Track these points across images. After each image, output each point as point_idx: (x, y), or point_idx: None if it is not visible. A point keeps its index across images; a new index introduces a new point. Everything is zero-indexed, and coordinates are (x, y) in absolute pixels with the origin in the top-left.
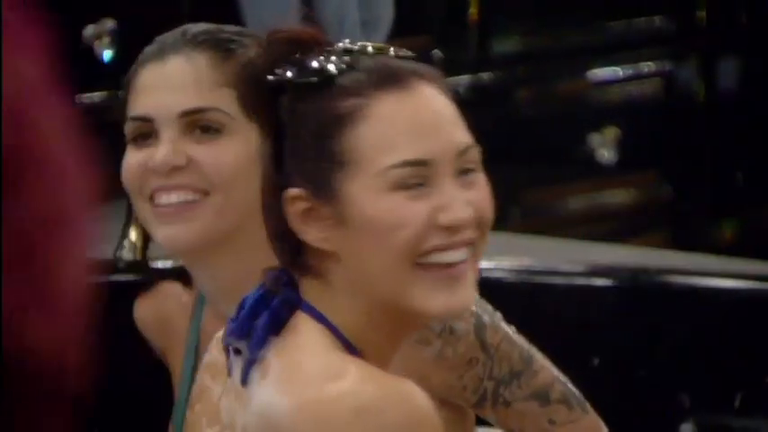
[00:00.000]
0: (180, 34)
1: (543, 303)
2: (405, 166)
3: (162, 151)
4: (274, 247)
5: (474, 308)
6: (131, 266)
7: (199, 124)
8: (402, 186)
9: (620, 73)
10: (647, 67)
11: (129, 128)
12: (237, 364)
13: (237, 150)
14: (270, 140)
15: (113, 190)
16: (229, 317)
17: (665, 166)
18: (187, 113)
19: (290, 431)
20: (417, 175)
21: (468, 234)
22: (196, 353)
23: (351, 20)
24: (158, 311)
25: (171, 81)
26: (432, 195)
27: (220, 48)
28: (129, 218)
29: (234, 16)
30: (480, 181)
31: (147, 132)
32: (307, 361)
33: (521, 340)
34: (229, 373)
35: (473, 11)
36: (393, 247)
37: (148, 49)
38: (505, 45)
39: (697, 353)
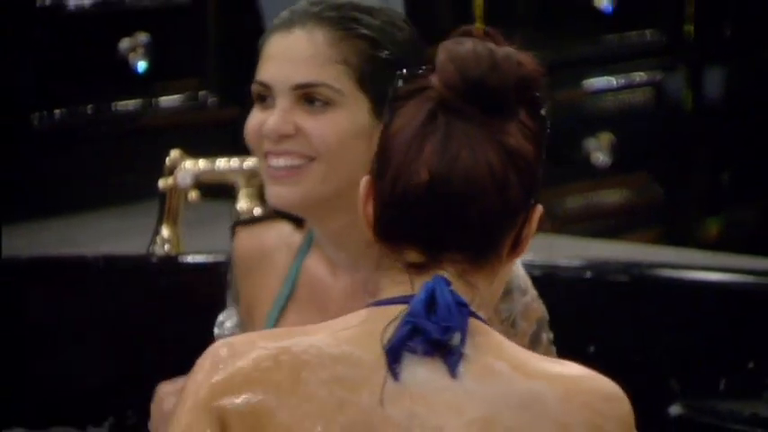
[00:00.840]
0: (308, 4)
1: (544, 294)
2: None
3: (273, 119)
4: None
5: (545, 316)
6: (164, 261)
7: (309, 97)
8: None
9: (614, 82)
10: (639, 77)
11: (253, 89)
12: (420, 365)
13: (343, 123)
14: None
15: (147, 190)
16: (342, 269)
17: (656, 168)
18: (300, 86)
19: (562, 414)
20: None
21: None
22: (293, 286)
23: None
24: (262, 244)
25: (291, 53)
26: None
27: (340, 26)
28: (162, 215)
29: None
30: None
31: (266, 95)
32: (520, 350)
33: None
34: (395, 377)
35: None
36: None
37: (280, 17)
38: None
39: (685, 340)
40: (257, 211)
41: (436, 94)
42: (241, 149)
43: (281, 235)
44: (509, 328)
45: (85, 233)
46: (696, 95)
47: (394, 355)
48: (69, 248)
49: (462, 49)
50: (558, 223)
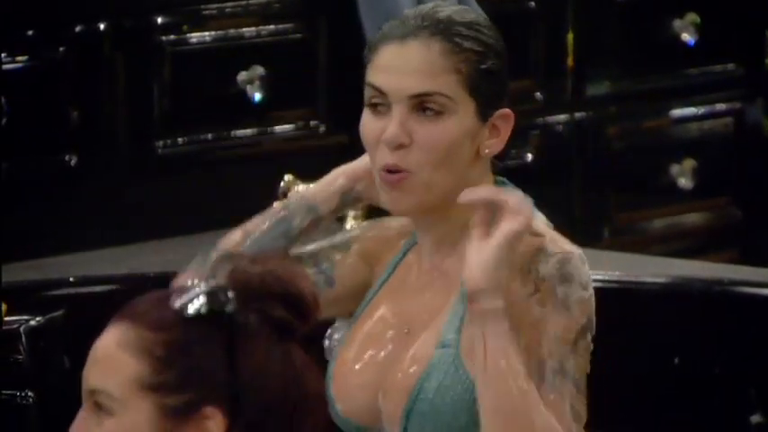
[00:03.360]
0: (421, 19)
1: (631, 309)
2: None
3: (392, 129)
4: None
5: (592, 315)
6: None
7: (424, 105)
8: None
9: (697, 112)
10: (720, 106)
11: (367, 91)
12: None
13: (453, 129)
14: None
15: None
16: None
17: (735, 192)
18: (416, 96)
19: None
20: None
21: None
22: (389, 275)
23: None
24: (379, 242)
25: (408, 65)
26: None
27: (451, 38)
28: None
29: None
30: (104, 426)
31: (381, 102)
32: None
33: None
34: None
35: (570, 59)
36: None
37: (391, 27)
38: (598, 88)
39: (763, 352)
40: None
41: None
42: None
43: (392, 234)
44: (561, 309)
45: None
46: None
47: None
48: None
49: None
50: (645, 243)
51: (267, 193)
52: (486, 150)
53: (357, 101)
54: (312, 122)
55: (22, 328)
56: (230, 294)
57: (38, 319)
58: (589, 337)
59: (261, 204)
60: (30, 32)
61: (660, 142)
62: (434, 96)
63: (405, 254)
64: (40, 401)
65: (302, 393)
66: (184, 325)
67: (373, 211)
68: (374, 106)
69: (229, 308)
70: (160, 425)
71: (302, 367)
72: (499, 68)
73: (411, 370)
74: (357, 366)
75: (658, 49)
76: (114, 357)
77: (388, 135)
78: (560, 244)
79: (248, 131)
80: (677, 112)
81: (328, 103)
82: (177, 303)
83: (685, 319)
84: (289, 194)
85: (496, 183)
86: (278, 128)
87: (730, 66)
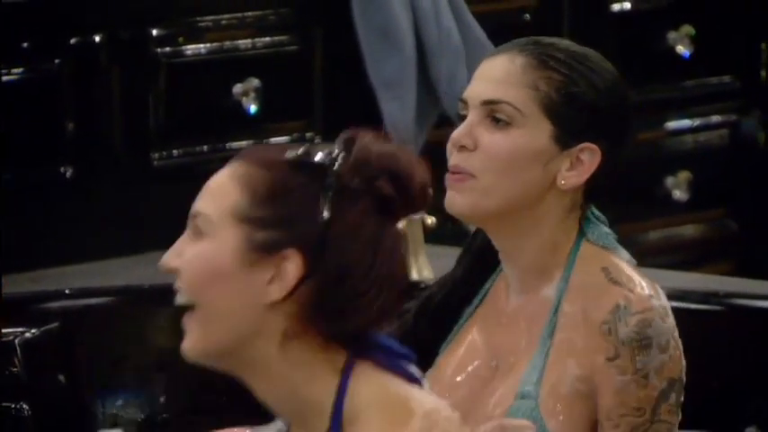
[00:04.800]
0: (525, 41)
1: None
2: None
3: (458, 130)
4: None
5: (681, 378)
6: None
7: (494, 114)
8: None
9: (692, 124)
10: (716, 118)
11: (458, 106)
12: None
13: (518, 142)
14: None
15: None
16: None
17: (731, 204)
18: (486, 102)
19: None
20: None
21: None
22: (480, 301)
23: (460, 78)
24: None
25: (488, 74)
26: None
27: (538, 57)
28: None
29: (362, 74)
30: (197, 246)
31: (464, 113)
32: None
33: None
34: None
35: None
36: None
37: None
38: None
39: (759, 365)
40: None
41: None
42: None
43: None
44: (640, 378)
45: None
46: None
47: None
48: None
49: None
50: (640, 255)
51: None
52: (563, 181)
53: (353, 112)
54: (308, 134)
55: (17, 341)
56: (342, 153)
57: (33, 331)
58: (672, 398)
59: None
60: (26, 44)
61: (655, 154)
62: (502, 105)
63: (494, 280)
64: (36, 414)
65: (385, 271)
66: (291, 170)
67: None
68: (461, 117)
69: (338, 165)
70: (243, 255)
71: (392, 247)
72: (592, 102)
73: (492, 417)
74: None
75: (654, 61)
76: (222, 186)
77: (454, 135)
78: (640, 294)
79: (244, 143)
80: (673, 125)
81: (324, 114)
82: (290, 151)
83: (680, 331)
84: None
85: (585, 219)
86: (273, 140)
87: (726, 78)
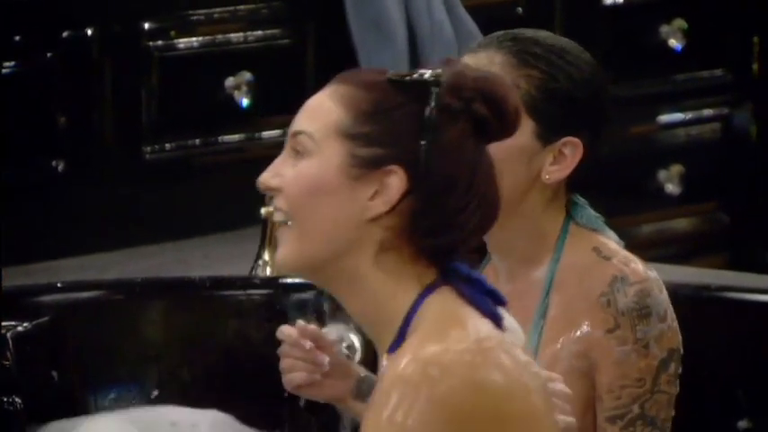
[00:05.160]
0: (504, 35)
1: None
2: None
3: None
4: None
5: (679, 348)
6: (265, 282)
7: None
8: None
9: (684, 117)
10: (708, 112)
11: None
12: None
13: (503, 144)
14: None
15: (250, 217)
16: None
17: (723, 198)
18: None
19: None
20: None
21: (273, 198)
22: None
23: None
24: None
25: None
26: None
27: (517, 55)
28: (264, 240)
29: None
30: (299, 164)
31: None
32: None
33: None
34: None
35: None
36: None
37: (478, 41)
38: None
39: (751, 357)
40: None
41: None
42: None
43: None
44: (641, 348)
45: (195, 256)
46: (761, 129)
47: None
48: (181, 270)
49: None
50: (632, 248)
51: (255, 199)
52: (547, 176)
53: None
54: None
55: (9, 334)
56: (441, 75)
57: (25, 324)
58: (672, 368)
59: (248, 210)
60: (17, 38)
61: (648, 148)
62: None
63: (483, 269)
64: (28, 407)
65: (482, 189)
66: (392, 90)
67: None
68: None
69: (437, 86)
70: (347, 171)
71: (488, 168)
72: (572, 96)
73: None
74: None
75: (646, 54)
76: (323, 105)
77: None
78: (635, 268)
79: (236, 137)
80: (665, 118)
81: None
82: (391, 72)
83: None
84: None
85: (572, 203)
86: (265, 133)
87: (718, 71)
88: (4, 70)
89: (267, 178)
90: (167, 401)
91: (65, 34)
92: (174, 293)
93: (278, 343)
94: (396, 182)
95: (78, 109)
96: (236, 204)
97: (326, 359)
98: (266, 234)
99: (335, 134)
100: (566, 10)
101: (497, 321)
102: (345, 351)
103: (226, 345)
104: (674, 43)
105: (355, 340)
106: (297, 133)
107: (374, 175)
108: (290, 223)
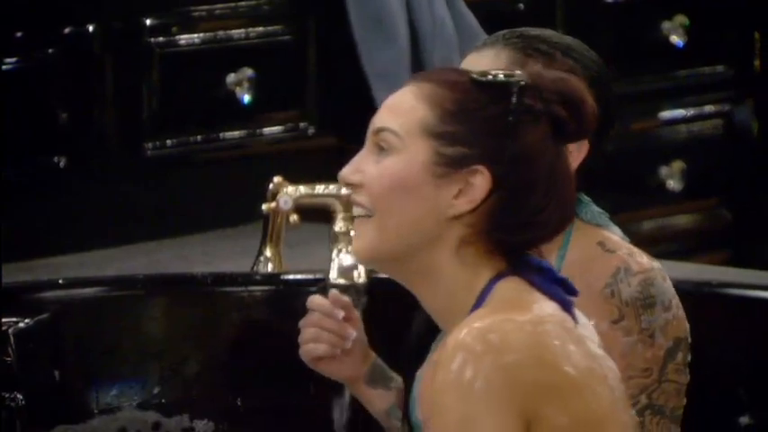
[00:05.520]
0: (509, 33)
1: None
2: None
3: None
4: None
5: (686, 337)
6: (266, 279)
7: None
8: None
9: (686, 114)
10: (709, 108)
11: None
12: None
13: None
14: None
15: (251, 213)
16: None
17: (725, 194)
18: None
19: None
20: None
21: (352, 194)
22: None
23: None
24: None
25: (477, 69)
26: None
27: (523, 51)
28: (265, 237)
29: (355, 64)
30: (383, 161)
31: None
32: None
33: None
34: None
35: None
36: None
37: (481, 41)
38: None
39: (752, 354)
40: (353, 233)
41: None
42: (338, 175)
43: None
44: (646, 338)
45: (196, 252)
46: (762, 125)
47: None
48: (182, 266)
49: None
50: (634, 245)
51: (256, 195)
52: None
53: (346, 102)
54: (301, 124)
55: (10, 330)
56: (521, 75)
57: (27, 320)
58: (679, 357)
59: (250, 206)
60: (19, 34)
61: (649, 144)
62: None
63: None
64: (29, 403)
65: (561, 190)
66: (475, 89)
67: None
68: None
69: (517, 85)
70: (432, 169)
71: (566, 169)
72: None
73: None
74: None
75: (647, 50)
76: (407, 102)
77: None
78: (638, 259)
79: (237, 133)
80: (666, 114)
81: (317, 104)
82: (474, 73)
83: None
84: (277, 196)
85: (576, 201)
86: (267, 130)
87: (719, 67)
88: (5, 66)
89: (348, 174)
90: (168, 398)
91: (66, 30)
92: (175, 290)
93: (281, 338)
94: (480, 181)
95: (79, 105)
96: (238, 200)
97: (354, 334)
98: (267, 230)
99: (421, 132)
100: (567, 5)
101: (567, 307)
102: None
103: (227, 341)
104: (676, 39)
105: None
106: (381, 130)
107: (459, 174)
108: (370, 215)
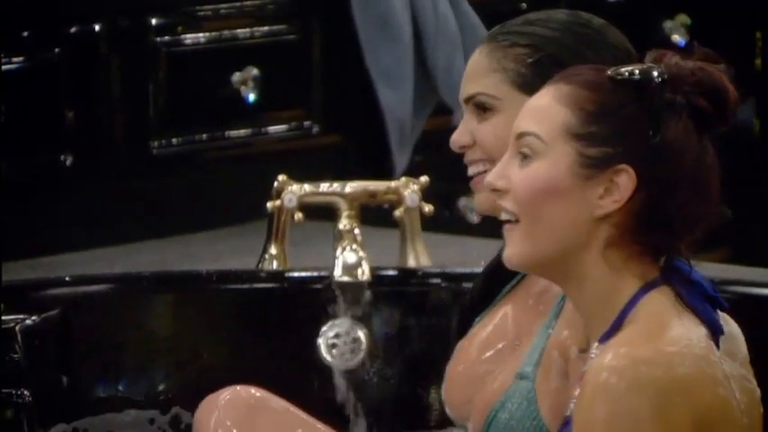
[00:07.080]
0: (491, 29)
1: None
2: None
3: (454, 134)
4: None
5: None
6: (271, 276)
7: (476, 106)
8: None
9: None
10: None
11: None
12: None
13: (500, 127)
14: None
15: (256, 211)
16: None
17: (727, 192)
18: (467, 99)
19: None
20: None
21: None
22: (511, 288)
23: (457, 66)
24: None
25: (466, 72)
26: None
27: (496, 40)
28: (270, 234)
29: (360, 64)
30: (528, 166)
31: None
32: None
33: None
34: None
35: None
36: None
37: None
38: None
39: (754, 350)
40: (356, 231)
41: None
42: (342, 174)
43: None
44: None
45: (202, 250)
46: (764, 123)
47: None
48: (188, 264)
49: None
50: None
51: (261, 193)
52: None
53: (351, 101)
54: (306, 123)
55: (17, 327)
56: (662, 71)
57: (34, 318)
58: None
59: (255, 204)
60: (25, 33)
61: None
62: (478, 96)
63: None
64: (36, 400)
65: (708, 184)
66: (615, 88)
67: (367, 210)
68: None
69: (658, 81)
70: (577, 171)
71: (713, 162)
72: (557, 60)
73: (493, 395)
74: (472, 368)
75: (649, 48)
76: (548, 106)
77: (451, 140)
78: None
79: (242, 132)
80: None
81: (322, 103)
82: (611, 70)
83: None
84: (282, 194)
85: None
86: (272, 128)
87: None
88: (12, 65)
89: (494, 180)
90: (175, 394)
91: (72, 29)
92: (181, 287)
93: (286, 335)
94: (626, 180)
95: (86, 104)
96: (243, 198)
97: None
98: (272, 228)
99: (564, 135)
100: (570, 4)
101: (714, 328)
102: (351, 344)
103: (233, 338)
104: (678, 38)
105: (361, 334)
106: (523, 134)
107: (604, 174)
108: (519, 220)
